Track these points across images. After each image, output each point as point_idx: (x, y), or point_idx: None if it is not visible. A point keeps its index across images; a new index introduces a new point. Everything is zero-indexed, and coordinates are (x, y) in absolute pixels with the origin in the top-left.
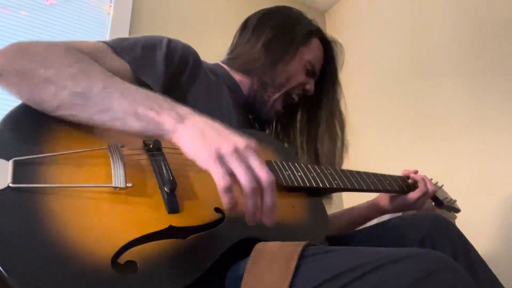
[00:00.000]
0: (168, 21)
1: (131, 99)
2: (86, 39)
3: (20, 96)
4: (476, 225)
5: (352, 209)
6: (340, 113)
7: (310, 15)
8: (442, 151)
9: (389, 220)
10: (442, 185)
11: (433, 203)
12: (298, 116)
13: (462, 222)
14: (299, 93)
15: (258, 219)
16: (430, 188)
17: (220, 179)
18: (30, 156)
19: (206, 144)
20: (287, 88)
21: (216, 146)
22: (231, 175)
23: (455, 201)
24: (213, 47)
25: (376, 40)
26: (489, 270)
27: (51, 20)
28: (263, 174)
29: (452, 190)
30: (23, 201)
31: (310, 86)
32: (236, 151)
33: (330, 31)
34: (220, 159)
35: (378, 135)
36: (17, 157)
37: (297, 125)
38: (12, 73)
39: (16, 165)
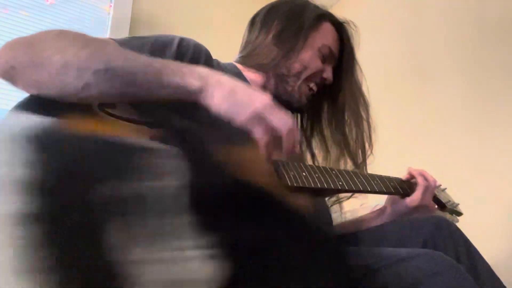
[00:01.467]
0: (168, 21)
1: (153, 69)
2: None
3: (38, 88)
4: (476, 225)
5: (360, 220)
6: (363, 95)
7: None
8: (441, 151)
9: (391, 222)
10: (445, 188)
11: (436, 206)
12: (324, 107)
13: (461, 221)
14: (317, 82)
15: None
16: (431, 179)
17: (261, 136)
18: None
19: (239, 104)
20: (305, 75)
21: (248, 105)
22: (266, 129)
23: (457, 204)
24: (213, 47)
25: (376, 39)
26: (493, 273)
27: (51, 20)
28: (290, 120)
29: (450, 189)
30: None
31: (328, 74)
32: (265, 107)
33: None
34: (255, 116)
35: (377, 135)
36: None
37: (323, 116)
38: (27, 65)
39: None
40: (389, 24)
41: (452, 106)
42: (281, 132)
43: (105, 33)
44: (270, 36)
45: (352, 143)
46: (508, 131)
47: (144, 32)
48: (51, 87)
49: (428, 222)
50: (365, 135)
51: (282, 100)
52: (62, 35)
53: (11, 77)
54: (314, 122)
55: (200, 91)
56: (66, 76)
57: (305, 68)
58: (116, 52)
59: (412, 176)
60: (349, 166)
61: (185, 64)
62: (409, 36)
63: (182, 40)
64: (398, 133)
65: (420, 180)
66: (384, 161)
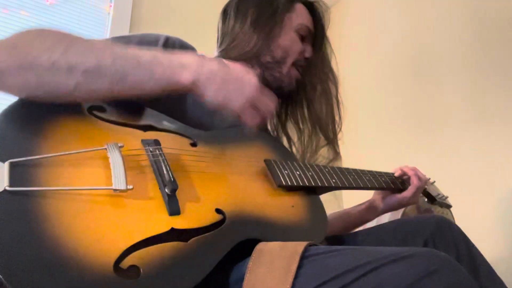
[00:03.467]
0: (168, 21)
1: (144, 64)
2: None
3: (27, 91)
4: (474, 224)
5: (347, 213)
6: (332, 71)
7: None
8: (440, 150)
9: (391, 222)
10: (434, 181)
11: (426, 199)
12: (297, 87)
13: (460, 221)
14: (302, 64)
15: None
16: (423, 181)
17: (251, 122)
18: (26, 158)
19: (231, 93)
20: (291, 60)
21: (240, 94)
22: (255, 114)
23: (446, 197)
24: (213, 47)
25: (377, 39)
26: (493, 272)
27: (51, 20)
28: (273, 104)
29: (449, 189)
30: (20, 205)
31: (309, 53)
32: (254, 93)
33: (331, 30)
34: (246, 104)
35: (378, 133)
36: (13, 158)
37: (296, 97)
38: (13, 68)
39: (13, 167)
40: (390, 21)
41: (451, 103)
42: (265, 116)
43: (105, 33)
44: (247, 23)
45: (323, 118)
46: (506, 128)
47: (144, 32)
48: (40, 89)
49: (429, 222)
50: (335, 110)
51: (273, 87)
52: (45, 34)
53: None
54: (288, 104)
55: (192, 85)
56: (56, 76)
57: (287, 53)
58: (104, 49)
59: (404, 173)
60: (322, 141)
61: (175, 54)
62: (411, 34)
63: (167, 39)
64: (398, 130)
65: (415, 180)
66: (382, 158)
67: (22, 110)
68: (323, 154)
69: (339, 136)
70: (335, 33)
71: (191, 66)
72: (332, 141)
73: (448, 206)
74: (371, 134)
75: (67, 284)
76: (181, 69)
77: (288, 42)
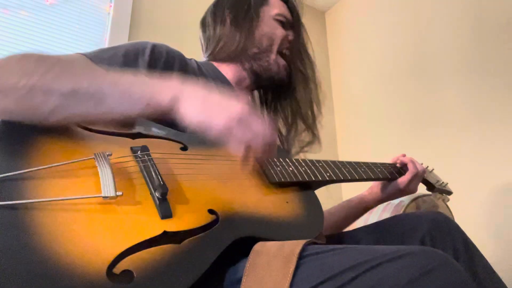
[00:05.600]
0: (168, 21)
1: (122, 86)
2: (85, 39)
3: (8, 114)
4: (472, 221)
5: (347, 203)
6: (308, 55)
7: (310, 15)
8: (440, 149)
9: (389, 218)
10: (433, 169)
11: (426, 187)
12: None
13: (458, 219)
14: (287, 47)
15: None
16: (420, 168)
17: (236, 150)
18: (14, 173)
19: (211, 116)
20: (276, 47)
21: (221, 118)
22: (242, 141)
23: (446, 183)
24: None
25: (375, 40)
26: (491, 269)
27: (51, 20)
28: (268, 133)
29: (450, 188)
30: (9, 218)
31: (292, 36)
32: (240, 120)
33: (330, 31)
34: (229, 130)
35: (377, 134)
36: (1, 173)
37: (283, 88)
38: None
39: (1, 182)
40: (388, 23)
41: (450, 103)
42: (255, 146)
43: (105, 33)
44: (227, 25)
45: (302, 104)
46: (505, 128)
47: (144, 32)
48: (19, 114)
49: (426, 218)
50: (313, 94)
51: (264, 78)
52: (26, 59)
53: None
54: (276, 99)
55: (171, 105)
56: (33, 101)
57: (272, 39)
58: (83, 72)
59: (401, 162)
60: (301, 126)
61: (157, 76)
62: (408, 35)
63: (154, 47)
64: (397, 130)
65: (410, 166)
66: (383, 158)
67: (8, 124)
68: (302, 138)
69: (319, 119)
70: (335, 32)
71: (172, 85)
72: (311, 126)
73: (449, 193)
74: (370, 134)
75: None
76: (161, 89)
77: (270, 29)
